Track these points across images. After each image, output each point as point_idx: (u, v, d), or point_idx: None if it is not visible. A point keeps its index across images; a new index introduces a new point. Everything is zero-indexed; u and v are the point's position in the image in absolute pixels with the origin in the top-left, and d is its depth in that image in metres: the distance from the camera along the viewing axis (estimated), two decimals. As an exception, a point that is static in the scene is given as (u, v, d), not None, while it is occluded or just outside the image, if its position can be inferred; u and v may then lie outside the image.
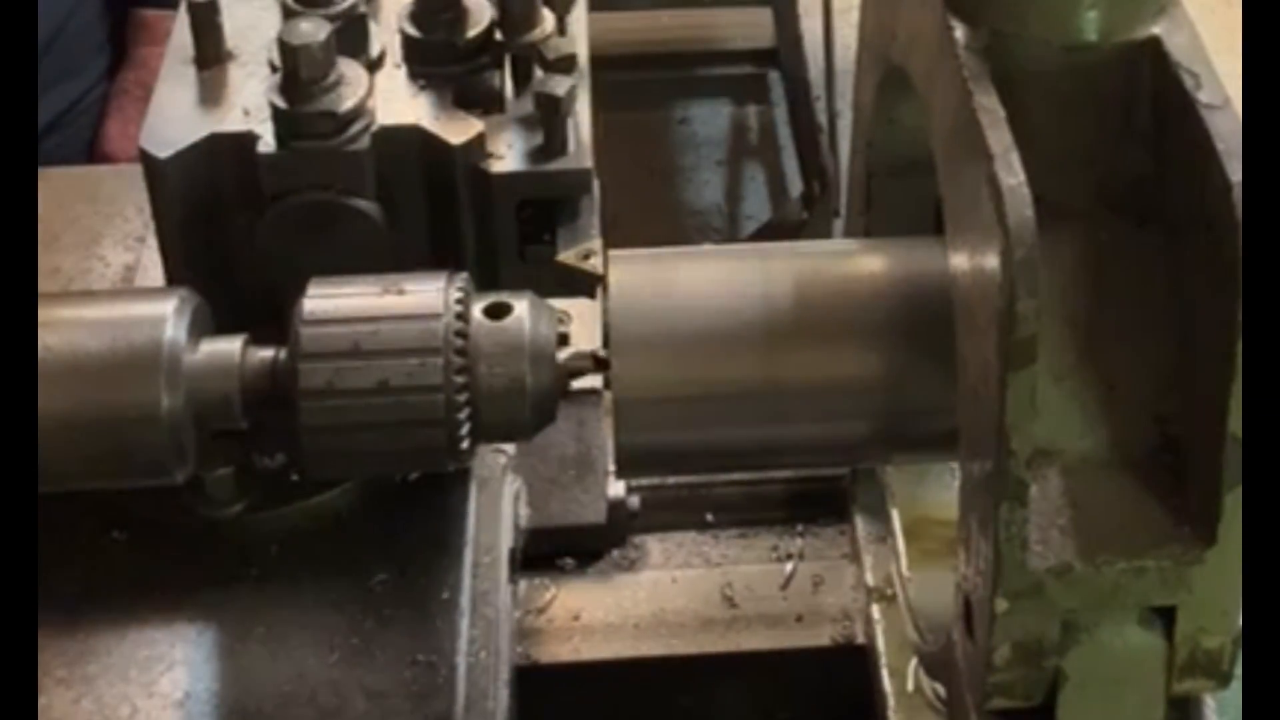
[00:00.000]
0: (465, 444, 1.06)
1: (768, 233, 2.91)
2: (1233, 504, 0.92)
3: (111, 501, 1.21)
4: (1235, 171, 0.89)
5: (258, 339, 1.11)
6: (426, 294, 1.07)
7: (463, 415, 1.05)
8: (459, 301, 1.06)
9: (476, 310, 1.07)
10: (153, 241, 1.25)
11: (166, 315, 1.07)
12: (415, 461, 1.10)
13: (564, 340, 1.09)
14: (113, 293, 1.09)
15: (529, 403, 1.07)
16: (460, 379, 1.04)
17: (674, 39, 3.18)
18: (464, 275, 1.09)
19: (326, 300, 1.07)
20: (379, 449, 1.06)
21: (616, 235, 1.19)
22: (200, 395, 1.07)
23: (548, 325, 1.08)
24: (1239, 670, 0.97)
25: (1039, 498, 0.94)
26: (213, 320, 1.13)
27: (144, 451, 1.06)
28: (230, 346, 1.09)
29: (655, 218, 2.96)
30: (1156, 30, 0.97)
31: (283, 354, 1.07)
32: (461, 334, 1.05)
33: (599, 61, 1.28)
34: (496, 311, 1.07)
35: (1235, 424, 0.91)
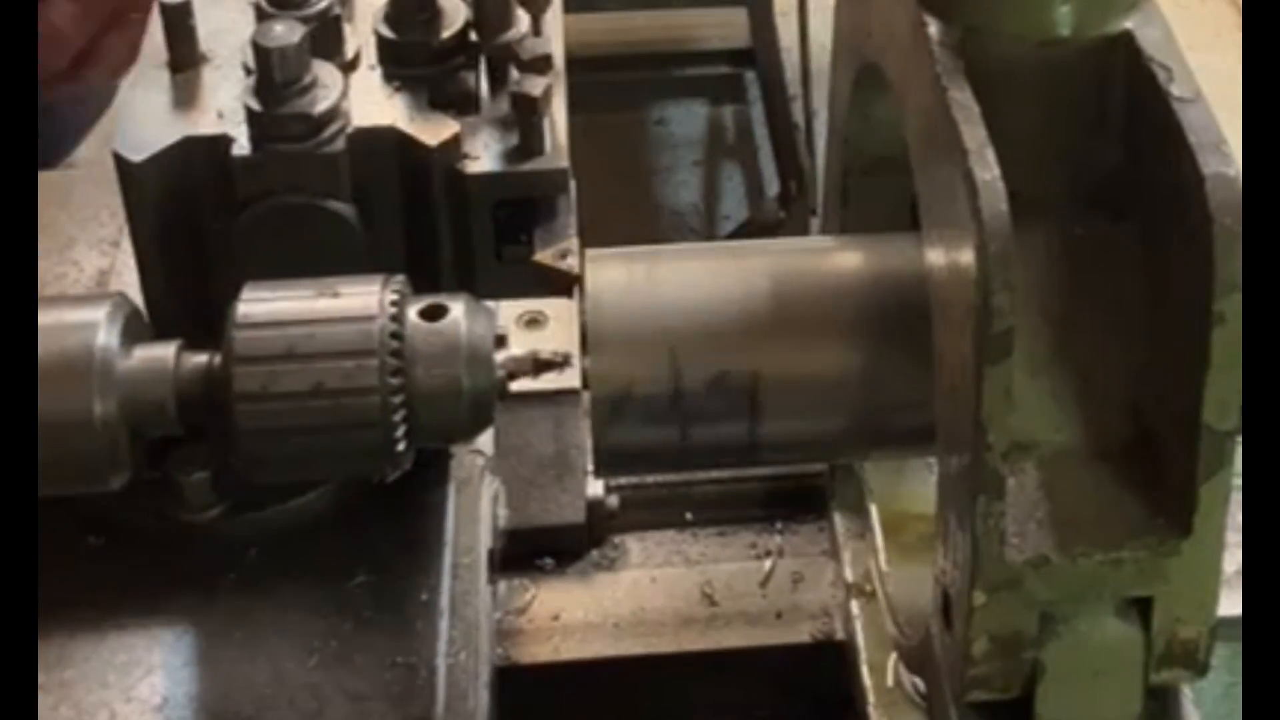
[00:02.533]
0: (401, 446, 1.06)
1: (745, 232, 2.91)
2: (1208, 495, 0.93)
3: (88, 506, 1.20)
4: (1208, 164, 0.90)
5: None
6: (361, 296, 1.07)
7: (398, 417, 1.05)
8: (394, 304, 1.06)
9: (412, 312, 1.07)
10: (127, 245, 1.25)
11: (99, 321, 1.07)
12: (352, 464, 1.10)
13: (502, 342, 1.09)
14: (45, 299, 1.08)
15: (465, 404, 1.06)
16: (396, 381, 1.04)
17: (649, 40, 3.18)
18: (400, 278, 1.09)
19: (260, 304, 1.07)
20: (315, 452, 1.06)
21: (594, 236, 1.19)
22: (134, 401, 1.06)
23: (485, 326, 1.08)
24: (1215, 661, 0.98)
25: (1016, 491, 0.95)
26: (180, 325, 1.12)
27: (77, 458, 1.05)
28: (164, 352, 1.08)
29: (632, 219, 2.97)
30: (1129, 24, 0.97)
31: (217, 359, 1.07)
32: (397, 336, 1.05)
33: (574, 63, 1.28)
34: (432, 313, 1.07)
35: (1210, 415, 0.91)
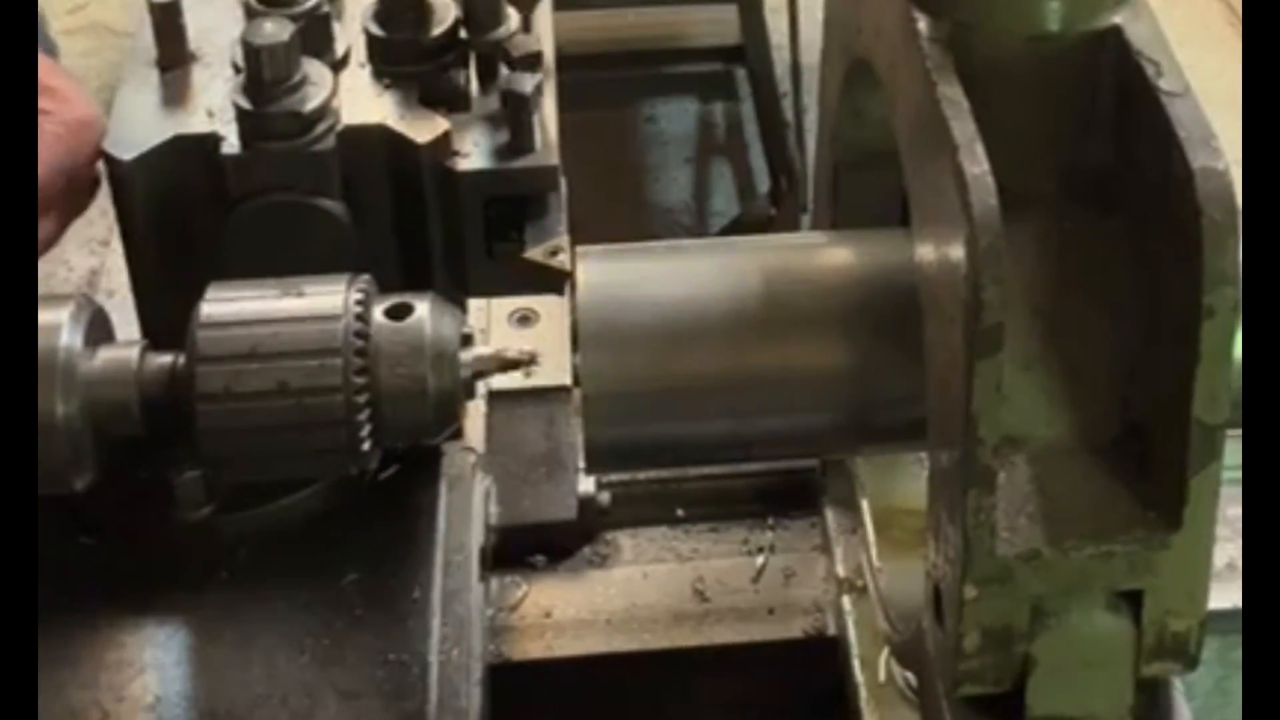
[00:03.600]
0: (366, 445, 1.06)
1: (736, 229, 2.92)
2: (1198, 488, 0.93)
3: (80, 506, 1.20)
4: (1196, 159, 0.90)
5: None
6: (326, 296, 1.07)
7: (363, 416, 1.05)
8: (359, 303, 1.06)
9: (377, 311, 1.07)
10: (117, 245, 1.25)
11: (62, 322, 1.06)
12: (317, 464, 1.10)
13: (468, 340, 1.09)
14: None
15: (431, 403, 1.07)
16: (360, 380, 1.05)
17: (640, 37, 3.19)
18: (366, 277, 1.09)
19: (224, 304, 1.07)
20: (279, 451, 1.06)
21: (584, 234, 1.19)
22: (97, 403, 1.06)
23: (451, 326, 1.08)
24: (1206, 654, 0.99)
25: (1006, 485, 0.95)
26: (171, 324, 1.12)
27: (41, 460, 1.05)
28: (128, 353, 1.08)
29: (623, 216, 2.97)
30: (1117, 19, 0.97)
31: (181, 359, 1.07)
32: (361, 335, 1.05)
33: (565, 61, 1.28)
34: (397, 312, 1.07)
35: (1200, 409, 0.91)
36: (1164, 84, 0.94)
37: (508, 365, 1.10)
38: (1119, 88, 0.97)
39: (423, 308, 1.08)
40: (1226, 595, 1.24)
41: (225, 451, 1.05)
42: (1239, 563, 1.32)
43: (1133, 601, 0.96)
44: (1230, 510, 1.25)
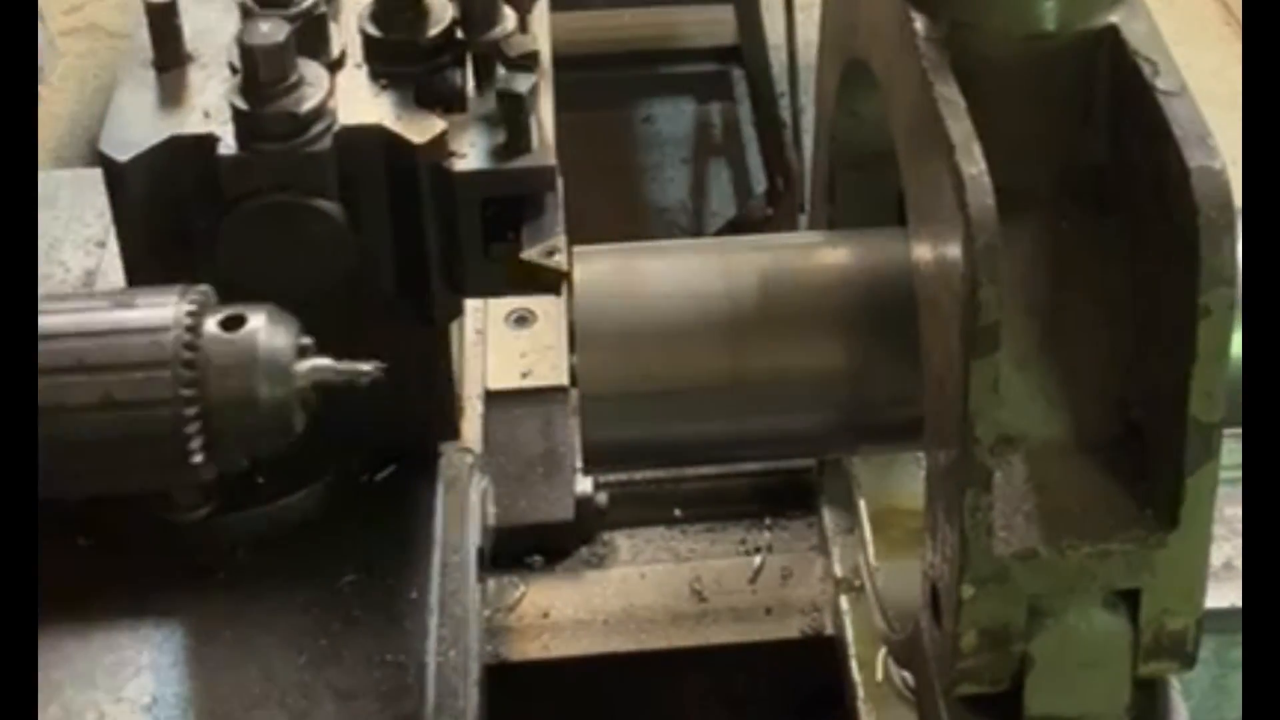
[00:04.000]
0: (198, 459, 1.06)
1: (733, 229, 2.91)
2: (1194, 487, 0.93)
3: (76, 508, 1.20)
4: (1193, 158, 0.90)
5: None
6: (157, 307, 1.07)
7: (192, 429, 1.05)
8: (191, 315, 1.06)
9: (211, 323, 1.07)
10: (113, 246, 1.25)
11: None
12: (149, 477, 1.09)
13: (304, 352, 1.09)
14: None
15: (264, 415, 1.07)
16: (189, 392, 1.04)
17: (636, 37, 3.18)
18: (202, 288, 1.09)
19: (52, 316, 1.06)
20: (108, 465, 1.06)
21: (582, 234, 1.19)
22: None
23: (285, 337, 1.08)
24: (1203, 653, 0.99)
25: (1003, 484, 0.95)
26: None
27: None
28: None
29: (621, 217, 2.97)
30: (1114, 19, 0.97)
31: None
32: (191, 346, 1.05)
33: (562, 61, 1.28)
34: (230, 324, 1.08)
35: (1196, 408, 0.91)
36: (1160, 83, 0.94)
37: (346, 376, 1.10)
38: (1115, 87, 0.97)
39: (257, 319, 1.08)
40: (1223, 594, 1.24)
41: (53, 465, 1.04)
42: (1236, 562, 1.32)
43: (1130, 601, 0.96)
44: (1227, 509, 1.26)
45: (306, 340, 1.10)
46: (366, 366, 1.09)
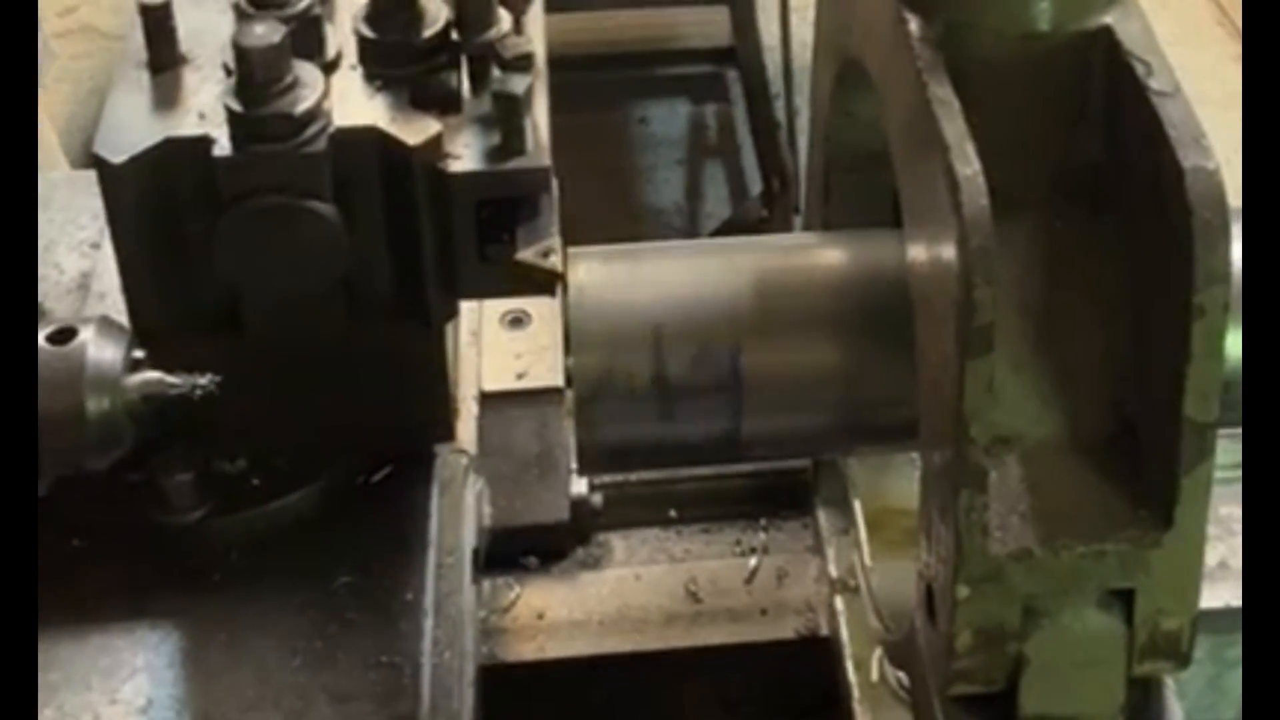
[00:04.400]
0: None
1: (728, 231, 2.91)
2: (1189, 487, 0.93)
3: (71, 509, 1.20)
4: (1187, 158, 0.90)
5: (213, 347, 1.09)
6: None
7: None
8: None
9: (40, 337, 1.07)
10: (108, 248, 1.25)
11: None
12: None
13: (137, 365, 1.09)
14: None
15: (92, 428, 1.07)
16: None
17: (631, 39, 3.18)
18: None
19: None
20: None
21: (576, 236, 1.19)
22: None
23: (115, 350, 1.08)
24: (1198, 652, 0.99)
25: (998, 484, 0.95)
26: (161, 327, 1.11)
27: None
28: None
29: (616, 218, 2.97)
30: (1108, 19, 0.97)
31: None
32: None
33: (556, 62, 1.28)
34: (59, 337, 1.08)
35: (1191, 408, 0.92)
36: (1154, 83, 0.94)
37: (178, 389, 1.10)
38: (1110, 87, 0.97)
39: (87, 332, 1.08)
40: (1218, 594, 1.25)
41: None
42: (1230, 562, 1.32)
43: (1124, 600, 0.97)
44: (1222, 509, 1.26)
45: (139, 353, 1.10)
46: (201, 380, 1.10)
